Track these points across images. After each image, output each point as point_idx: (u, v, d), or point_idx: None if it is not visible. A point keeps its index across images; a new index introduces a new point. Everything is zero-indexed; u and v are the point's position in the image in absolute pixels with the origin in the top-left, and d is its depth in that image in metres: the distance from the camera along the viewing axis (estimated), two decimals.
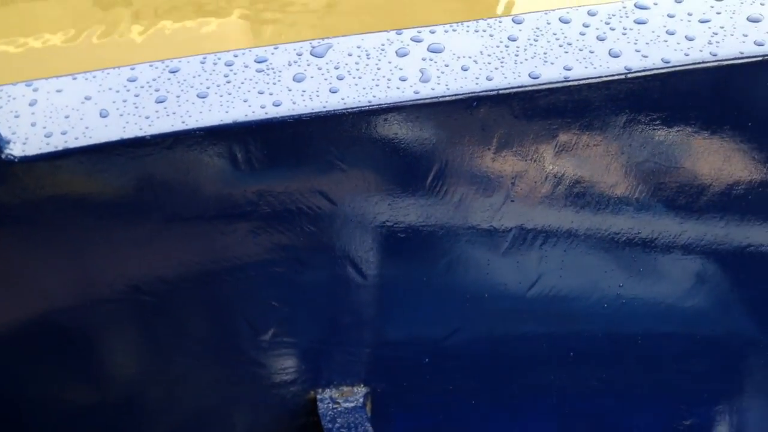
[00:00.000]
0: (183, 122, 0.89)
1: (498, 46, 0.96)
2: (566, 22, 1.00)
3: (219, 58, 0.99)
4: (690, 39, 0.94)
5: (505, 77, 0.92)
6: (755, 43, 0.92)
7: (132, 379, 1.12)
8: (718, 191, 1.04)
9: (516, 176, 1.00)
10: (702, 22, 0.96)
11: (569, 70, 0.92)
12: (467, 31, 1.01)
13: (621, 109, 0.95)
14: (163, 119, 0.90)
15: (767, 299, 1.15)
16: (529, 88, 0.92)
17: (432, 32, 1.01)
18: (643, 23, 0.98)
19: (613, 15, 1.00)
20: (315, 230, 1.01)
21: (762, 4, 0.98)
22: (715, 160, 1.01)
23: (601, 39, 0.96)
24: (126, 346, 1.10)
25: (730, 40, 0.93)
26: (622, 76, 0.91)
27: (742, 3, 0.99)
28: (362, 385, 1.15)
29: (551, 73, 0.92)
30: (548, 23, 1.00)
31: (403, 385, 1.18)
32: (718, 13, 0.97)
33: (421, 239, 1.04)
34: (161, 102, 0.92)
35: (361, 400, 1.14)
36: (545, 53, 0.95)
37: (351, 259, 1.05)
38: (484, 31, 1.00)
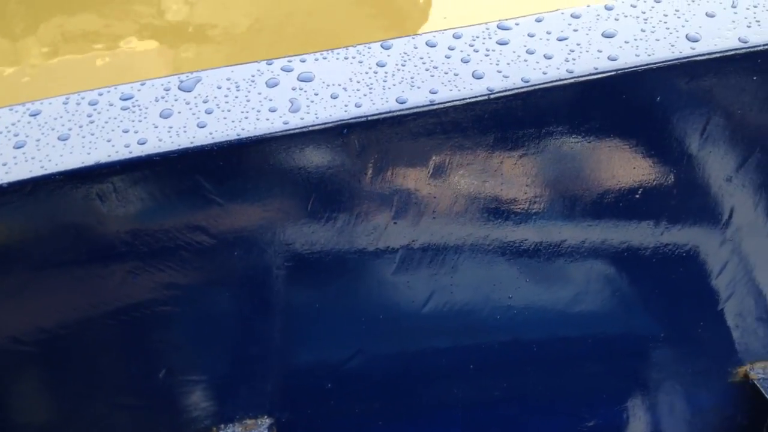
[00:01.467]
0: (42, 167, 0.86)
1: (367, 72, 0.96)
2: (432, 45, 1.01)
3: (83, 98, 0.95)
4: (548, 57, 0.96)
5: (374, 103, 0.92)
6: (609, 58, 0.94)
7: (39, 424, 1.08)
8: (590, 198, 1.06)
9: (397, 198, 0.99)
10: (560, 40, 0.98)
11: (435, 93, 0.93)
12: (337, 59, 1.01)
13: (488, 129, 0.95)
14: (21, 165, 0.86)
15: (656, 299, 1.20)
16: (397, 113, 0.92)
17: (302, 61, 1.00)
18: (505, 44, 0.99)
19: (477, 37, 1.01)
20: (200, 266, 0.98)
21: (616, 19, 1.03)
22: (584, 169, 1.04)
23: (465, 61, 0.97)
24: (21, 398, 1.05)
25: (585, 57, 0.95)
26: (485, 97, 0.92)
27: (597, 18, 1.01)
28: (266, 417, 1.13)
29: (417, 98, 0.92)
30: (415, 47, 1.01)
31: (307, 413, 1.16)
32: (575, 31, 1.00)
33: (310, 266, 1.03)
34: (20, 147, 0.88)
35: (266, 431, 1.14)
36: (412, 78, 0.95)
37: (242, 292, 1.03)
38: (354, 57, 1.00)
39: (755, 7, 0.99)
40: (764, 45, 0.93)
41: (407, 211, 1.02)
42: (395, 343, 1.15)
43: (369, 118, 0.91)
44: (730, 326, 1.21)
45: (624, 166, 1.02)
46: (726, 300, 1.18)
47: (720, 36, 0.95)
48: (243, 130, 0.90)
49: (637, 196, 1.06)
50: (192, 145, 0.88)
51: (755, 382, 1.19)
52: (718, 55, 0.93)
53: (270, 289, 1.04)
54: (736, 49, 0.93)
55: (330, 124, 0.90)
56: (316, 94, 0.94)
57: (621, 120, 0.97)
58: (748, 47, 0.93)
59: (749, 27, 0.96)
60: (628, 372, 1.25)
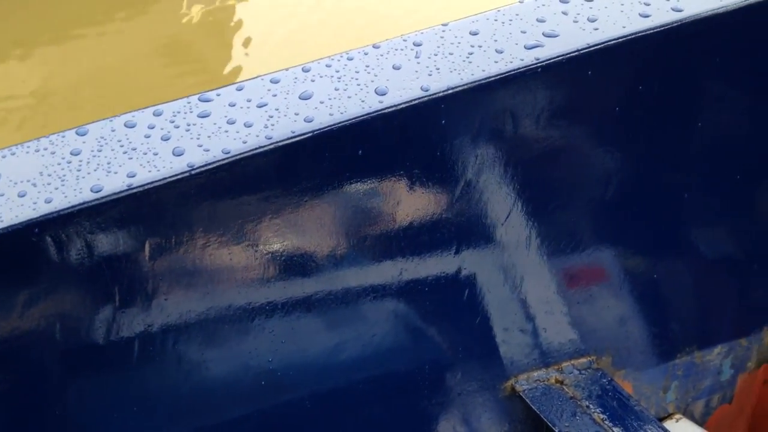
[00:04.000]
0: None
1: (60, 164, 0.90)
2: (132, 126, 0.96)
3: None
4: (248, 126, 0.95)
5: (66, 196, 0.86)
6: (305, 120, 0.95)
7: None
8: (333, 250, 1.05)
9: (166, 279, 0.95)
10: (260, 106, 0.97)
11: (133, 176, 0.88)
12: (27, 152, 0.93)
13: (196, 204, 0.92)
14: None
15: (428, 327, 1.20)
16: (93, 203, 0.86)
17: None
18: (206, 116, 0.97)
19: (178, 112, 0.98)
20: None
21: (313, 81, 1.04)
22: (300, 227, 1.02)
23: (165, 139, 0.93)
24: None
25: (283, 121, 0.95)
26: (187, 174, 0.89)
27: (295, 81, 1.02)
28: None
29: (114, 183, 0.87)
30: (113, 130, 0.95)
31: None
32: (275, 96, 0.99)
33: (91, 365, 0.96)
34: None
35: None
36: (109, 163, 0.90)
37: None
38: (46, 149, 0.93)
39: (435, 55, 1.04)
40: (443, 91, 0.99)
41: (137, 295, 0.97)
42: (204, 419, 1.09)
43: (61, 213, 0.85)
44: (496, 342, 1.25)
45: (340, 221, 1.03)
46: (487, 318, 1.22)
47: (405, 87, 0.99)
48: None
49: (378, 239, 1.07)
50: None
51: (521, 394, 1.24)
52: (403, 105, 0.97)
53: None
54: (419, 98, 0.98)
55: (17, 226, 0.84)
56: (2, 195, 0.87)
57: (325, 178, 0.98)
58: (429, 95, 0.98)
59: (430, 75, 1.01)
60: (412, 405, 1.28)
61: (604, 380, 1.26)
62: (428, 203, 1.09)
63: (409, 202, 1.07)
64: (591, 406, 1.21)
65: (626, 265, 1.30)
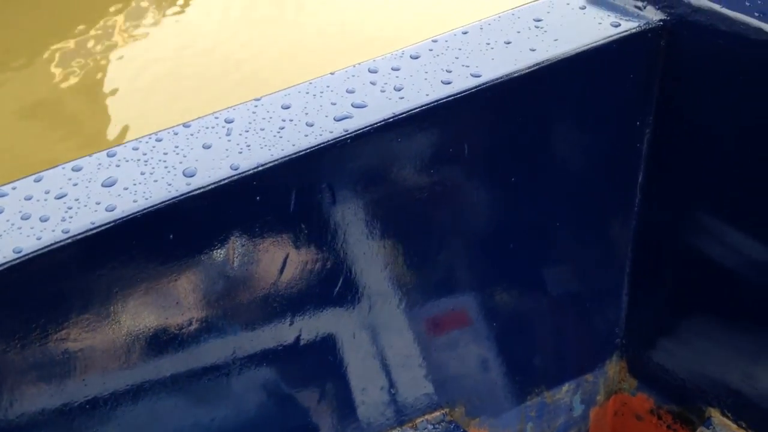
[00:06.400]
0: None
1: None
2: None
3: None
4: (44, 220, 0.88)
5: None
6: (107, 209, 0.89)
7: None
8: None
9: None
10: (58, 198, 0.91)
11: None
12: None
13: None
14: None
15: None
16: None
17: None
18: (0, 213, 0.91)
19: None
20: None
21: (118, 166, 0.98)
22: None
23: None
24: None
25: (83, 212, 0.89)
26: None
27: (99, 168, 0.95)
28: None
29: None
30: None
31: None
32: (75, 185, 0.93)
33: None
34: None
35: None
36: None
37: None
38: None
39: (247, 132, 1.01)
40: (254, 169, 0.95)
41: None
42: None
43: None
44: (355, 403, 1.22)
45: (159, 308, 0.97)
46: (349, 378, 1.19)
47: (214, 167, 0.96)
48: None
49: (208, 319, 1.02)
50: None
51: None
52: (212, 186, 0.94)
53: None
54: (229, 177, 0.95)
55: None
56: None
57: (136, 266, 0.93)
58: (239, 173, 0.95)
59: (241, 153, 0.98)
60: None
61: None
62: (256, 278, 1.05)
63: (237, 279, 1.03)
64: None
65: (481, 307, 1.32)
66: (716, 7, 1.14)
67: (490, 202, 1.26)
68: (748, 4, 1.14)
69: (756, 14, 1.12)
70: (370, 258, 1.14)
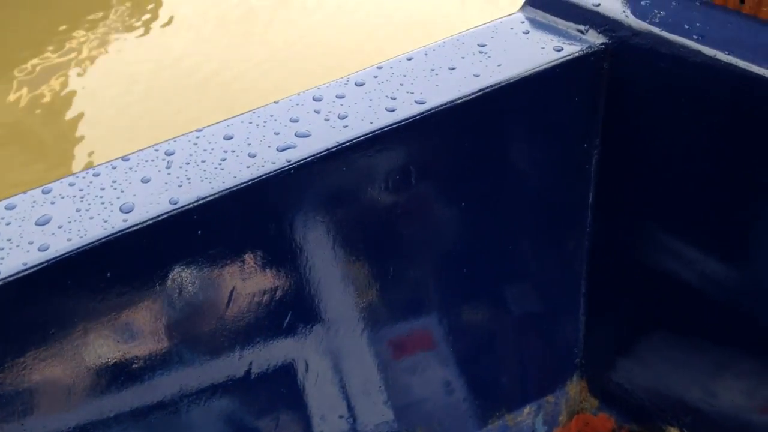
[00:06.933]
0: None
1: None
2: None
3: None
4: None
5: None
6: (39, 249, 0.86)
7: None
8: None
9: None
10: None
11: None
12: None
13: None
14: None
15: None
16: None
17: None
18: None
19: None
20: None
21: (53, 203, 0.93)
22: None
23: None
24: None
25: (15, 253, 0.85)
26: None
27: (33, 206, 0.92)
28: None
29: None
30: None
31: None
32: (8, 224, 0.90)
33: None
34: None
35: None
36: None
37: None
38: None
39: (187, 164, 0.99)
40: (193, 202, 0.93)
41: None
42: None
43: None
44: None
45: (99, 349, 0.94)
46: (310, 408, 1.17)
47: (153, 201, 0.93)
48: None
49: (159, 355, 1.00)
50: None
51: None
52: (150, 222, 0.91)
53: None
54: (168, 212, 0.92)
55: None
56: None
57: (73, 306, 0.89)
58: (178, 208, 0.93)
59: (180, 186, 0.96)
60: None
61: None
62: (201, 313, 1.02)
63: (181, 314, 1.00)
64: None
65: (438, 330, 1.30)
66: (656, 30, 1.16)
67: (441, 227, 1.25)
68: (687, 27, 1.16)
69: (695, 37, 1.14)
70: (320, 285, 1.12)
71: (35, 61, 3.77)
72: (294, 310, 1.10)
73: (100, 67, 3.82)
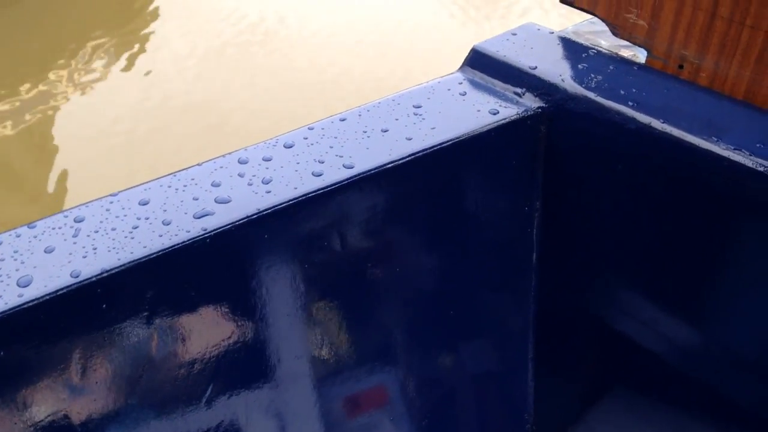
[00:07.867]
0: None
1: None
2: None
3: None
4: None
5: None
6: None
7: None
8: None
9: None
10: None
11: None
12: None
13: None
14: None
15: None
16: None
17: None
18: None
19: None
20: None
21: None
22: None
23: None
24: None
25: None
26: None
27: None
28: None
29: None
30: None
31: None
32: None
33: None
34: None
35: None
36: None
37: None
38: None
39: (96, 232, 0.92)
40: (97, 275, 0.86)
41: None
42: None
43: None
44: None
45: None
46: None
47: (53, 275, 0.86)
48: None
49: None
50: None
51: None
52: (47, 297, 0.85)
53: None
54: (67, 287, 0.85)
55: None
56: None
57: None
58: (79, 282, 0.86)
59: (85, 257, 0.89)
60: None
61: None
62: (107, 392, 0.94)
63: (83, 396, 0.92)
64: None
65: (399, 384, 1.25)
66: (592, 95, 1.13)
67: (379, 291, 1.20)
68: (623, 92, 1.14)
69: (630, 103, 1.12)
70: (234, 359, 1.05)
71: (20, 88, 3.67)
72: (211, 384, 1.04)
73: (81, 105, 3.76)
